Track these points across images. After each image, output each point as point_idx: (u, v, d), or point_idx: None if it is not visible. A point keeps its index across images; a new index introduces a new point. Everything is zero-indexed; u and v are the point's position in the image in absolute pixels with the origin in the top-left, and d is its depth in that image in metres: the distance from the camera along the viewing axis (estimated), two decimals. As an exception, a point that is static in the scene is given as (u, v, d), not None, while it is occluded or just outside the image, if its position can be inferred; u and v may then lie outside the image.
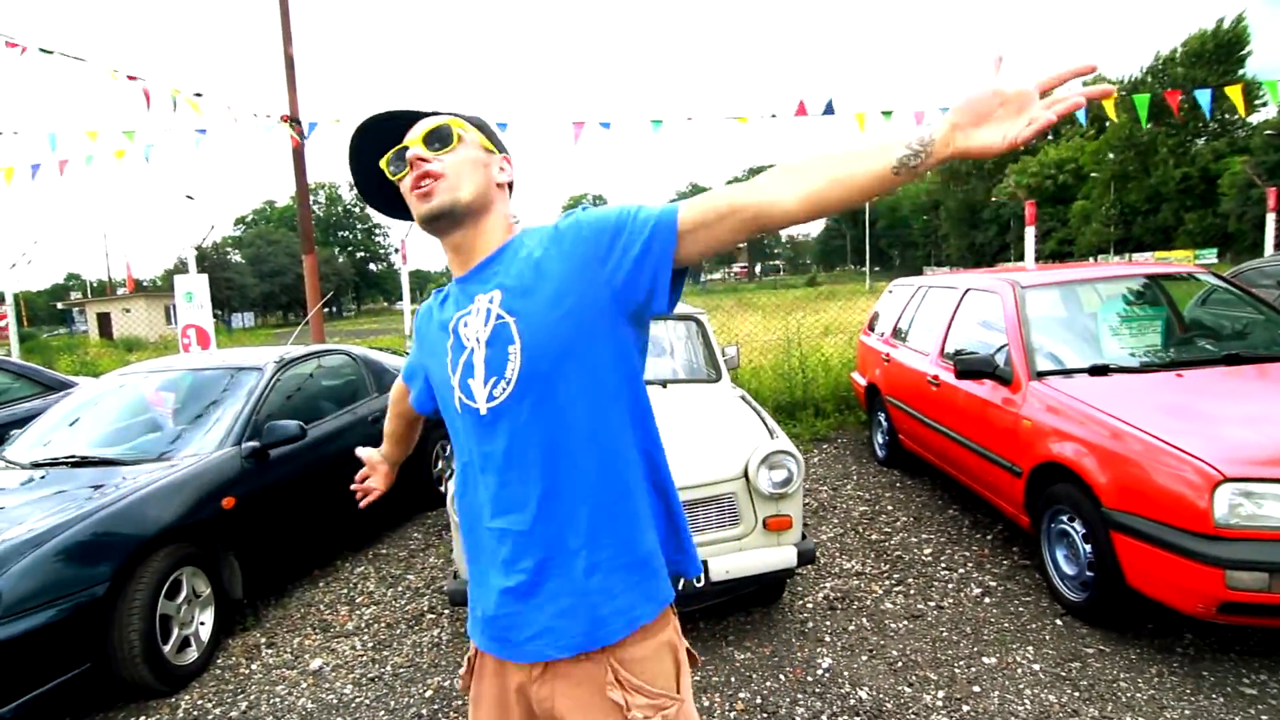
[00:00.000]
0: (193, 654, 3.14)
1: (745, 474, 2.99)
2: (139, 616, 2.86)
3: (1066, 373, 3.43)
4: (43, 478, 3.35)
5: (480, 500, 1.20)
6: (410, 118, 1.22)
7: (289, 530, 3.87)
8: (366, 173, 1.27)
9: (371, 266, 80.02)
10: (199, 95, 6.27)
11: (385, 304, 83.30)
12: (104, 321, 40.31)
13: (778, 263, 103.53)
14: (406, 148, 1.18)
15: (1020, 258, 6.02)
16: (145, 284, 61.67)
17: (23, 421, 4.95)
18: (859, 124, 6.80)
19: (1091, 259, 44.17)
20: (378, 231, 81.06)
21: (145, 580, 2.93)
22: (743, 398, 3.82)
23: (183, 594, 3.13)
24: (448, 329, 1.21)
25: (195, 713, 2.86)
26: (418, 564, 4.24)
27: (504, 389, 1.12)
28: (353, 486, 1.72)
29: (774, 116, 6.56)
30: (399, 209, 1.30)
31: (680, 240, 1.09)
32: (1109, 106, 6.73)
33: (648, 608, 1.15)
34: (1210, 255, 36.07)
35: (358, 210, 79.20)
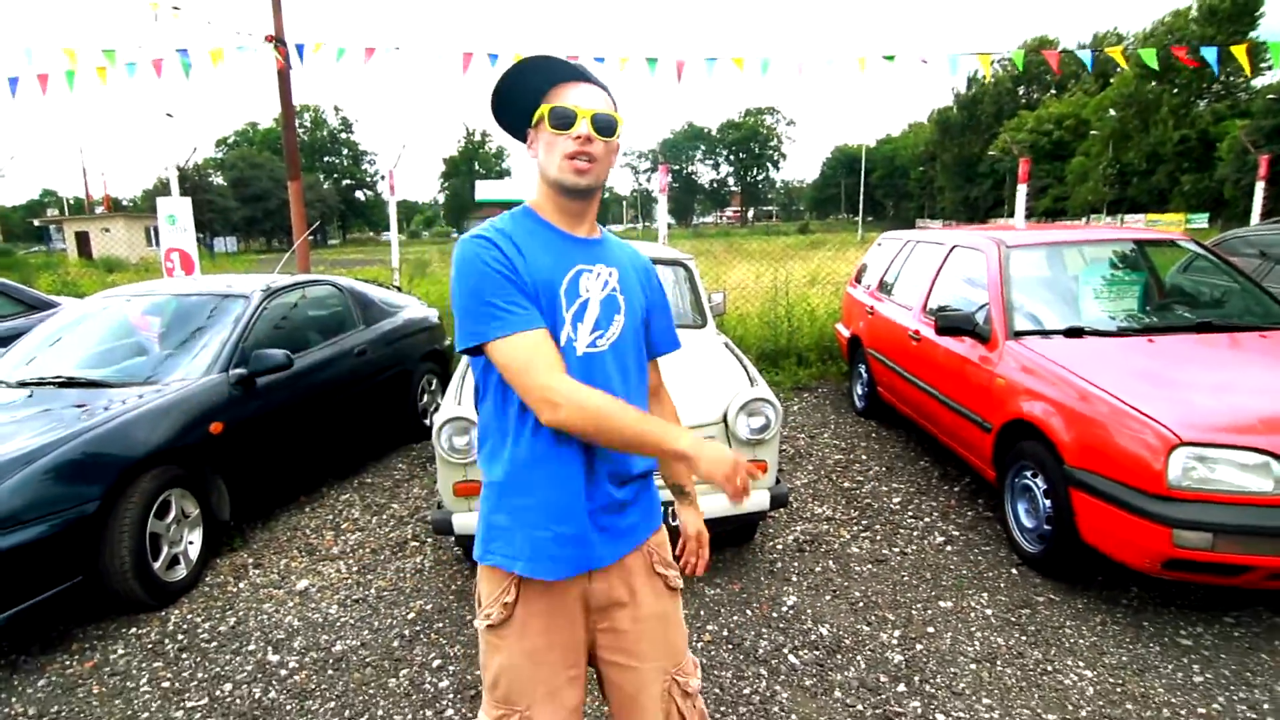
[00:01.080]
0: (182, 571, 3.23)
1: (725, 419, 3.07)
2: (129, 534, 2.94)
3: (1043, 333, 3.51)
4: (30, 396, 3.37)
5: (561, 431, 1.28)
6: (574, 73, 1.33)
7: (276, 457, 3.94)
8: (519, 83, 1.32)
9: (358, 194, 78.35)
10: (176, 8, 6.05)
11: (371, 234, 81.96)
12: (83, 241, 39.48)
13: (771, 208, 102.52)
14: (574, 113, 1.29)
15: (1011, 214, 6.06)
16: (124, 203, 60.24)
17: (5, 340, 4.93)
18: (860, 66, 6.71)
19: (1085, 219, 44.12)
20: (365, 159, 79.18)
21: (135, 499, 3.00)
22: (726, 344, 3.88)
23: (172, 514, 3.21)
24: (564, 271, 1.33)
25: (185, 626, 2.98)
26: (401, 493, 4.34)
27: (604, 343, 1.36)
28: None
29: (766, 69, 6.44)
30: (517, 129, 1.39)
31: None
32: (1118, 56, 6.66)
33: (659, 506, 1.53)
34: (1202, 220, 36.13)
35: (344, 136, 77.16)
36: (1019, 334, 3.53)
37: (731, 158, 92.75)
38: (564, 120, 1.29)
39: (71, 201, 65.87)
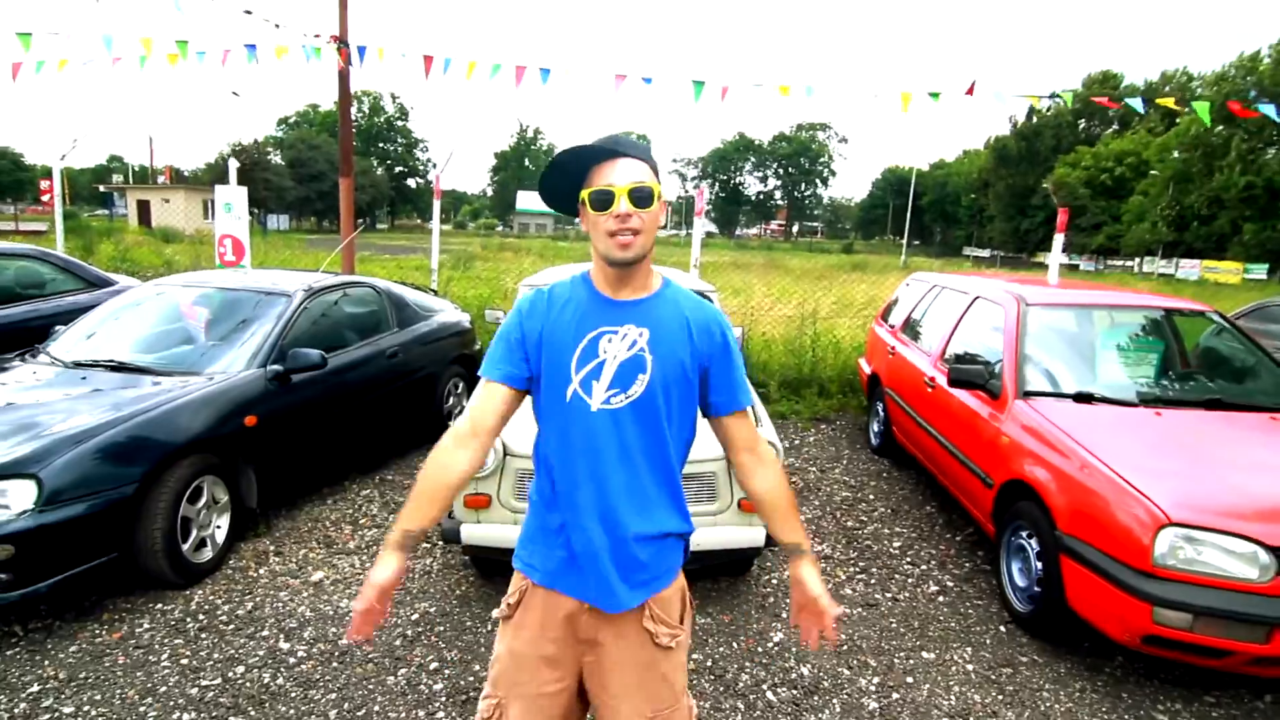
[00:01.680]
0: (208, 554, 3.45)
1: (725, 456, 3.18)
2: (163, 516, 3.16)
3: (1053, 395, 3.55)
4: (83, 378, 3.62)
5: (571, 474, 1.48)
6: (608, 153, 1.44)
7: (304, 450, 4.15)
8: (559, 175, 1.48)
9: (410, 182, 79.85)
10: (248, 13, 6.35)
11: (419, 220, 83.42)
12: (143, 209, 40.98)
13: (816, 224, 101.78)
14: (612, 193, 1.41)
15: (1064, 249, 5.99)
16: (185, 174, 62.22)
17: (65, 315, 5.25)
18: (903, 104, 6.75)
19: (1139, 259, 42.98)
20: (418, 146, 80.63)
21: (170, 484, 3.22)
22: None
23: (203, 499, 3.43)
24: (583, 334, 1.48)
25: (206, 606, 3.18)
26: (419, 494, 4.52)
27: (622, 400, 1.46)
28: (351, 636, 1.50)
29: (811, 92, 6.52)
30: (565, 206, 1.53)
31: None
32: (1171, 105, 6.59)
33: (677, 567, 1.58)
34: (1261, 271, 34.98)
35: (400, 123, 78.65)
36: (1029, 394, 3.58)
37: (780, 171, 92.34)
38: (603, 201, 1.41)
39: (136, 169, 68.34)
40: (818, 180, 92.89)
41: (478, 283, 12.48)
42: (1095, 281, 7.23)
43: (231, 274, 5.13)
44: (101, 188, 54.97)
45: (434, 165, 79.42)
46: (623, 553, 1.48)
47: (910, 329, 5.43)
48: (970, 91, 5.99)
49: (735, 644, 3.06)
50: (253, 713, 2.54)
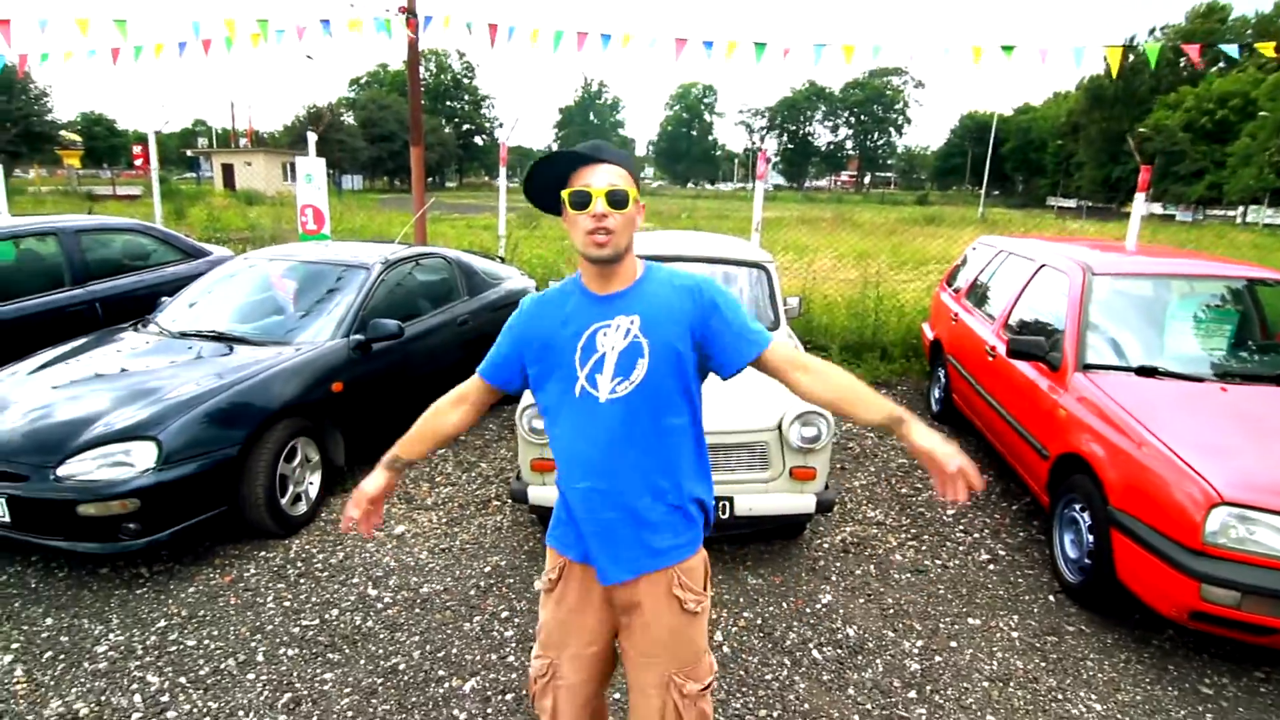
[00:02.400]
0: (303, 508, 3.80)
1: (779, 426, 3.30)
2: (264, 474, 3.50)
3: (1114, 368, 3.51)
4: (189, 347, 3.99)
5: (583, 465, 1.63)
6: (588, 158, 1.54)
7: (383, 413, 4.47)
8: (543, 175, 1.59)
9: (477, 140, 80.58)
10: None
11: (486, 178, 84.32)
12: (227, 172, 42.80)
13: (889, 175, 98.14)
14: (589, 193, 1.52)
15: (1158, 199, 5.69)
16: (263, 137, 64.46)
17: (167, 286, 5.69)
18: (975, 56, 6.51)
19: (1243, 209, 40.03)
20: (484, 104, 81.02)
21: (269, 445, 3.55)
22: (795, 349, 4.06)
23: (297, 459, 3.77)
24: (581, 333, 1.61)
25: (303, 555, 3.54)
26: (490, 454, 4.82)
27: (627, 387, 1.58)
28: (345, 527, 1.89)
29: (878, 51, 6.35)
30: (549, 205, 1.63)
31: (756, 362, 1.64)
32: (1269, 51, 6.16)
33: (699, 537, 1.71)
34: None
35: (466, 81, 79.05)
36: (1089, 366, 3.55)
37: (852, 119, 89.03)
38: (581, 201, 1.52)
39: (219, 132, 71.09)
40: (891, 128, 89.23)
41: (544, 242, 12.74)
42: (1178, 247, 6.88)
43: (314, 246, 5.45)
44: (188, 152, 57.59)
45: (499, 124, 79.86)
46: (644, 529, 1.62)
47: (974, 295, 5.35)
48: (1043, 59, 5.74)
49: (784, 604, 3.22)
50: (347, 650, 2.86)
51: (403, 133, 58.51)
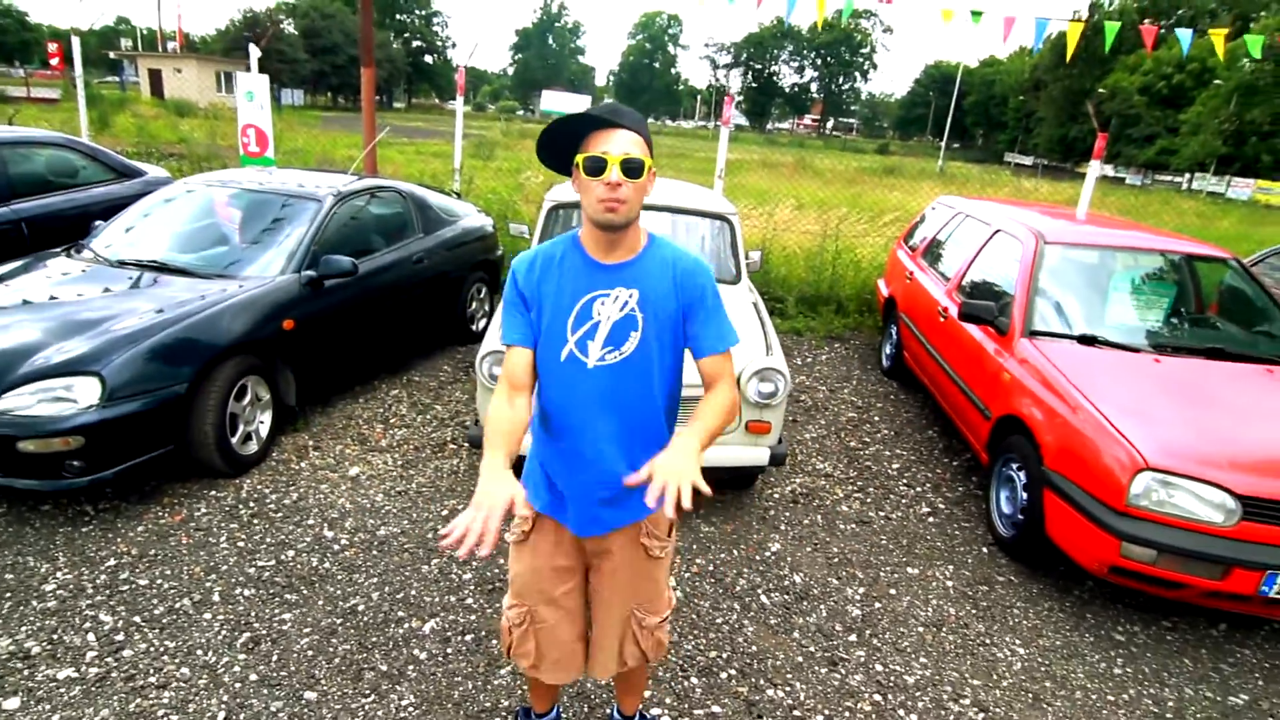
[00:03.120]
0: (253, 447, 3.74)
1: (738, 381, 3.36)
2: (213, 412, 3.42)
3: (1058, 336, 3.66)
4: (129, 277, 3.81)
5: (564, 424, 1.66)
6: (606, 121, 1.52)
7: (336, 351, 4.38)
8: (557, 136, 1.56)
9: (427, 58, 76.87)
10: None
11: (437, 100, 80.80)
12: (155, 79, 40.02)
13: (852, 121, 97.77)
14: (605, 160, 1.49)
15: (1110, 161, 5.78)
16: (194, 41, 60.18)
17: (98, 207, 5.38)
18: (944, 18, 6.47)
19: (1189, 175, 41.25)
20: (436, 20, 77.13)
21: (218, 383, 3.46)
22: (754, 305, 4.11)
23: (247, 397, 3.68)
24: (577, 299, 1.61)
25: (255, 495, 3.50)
26: (445, 396, 4.79)
27: (616, 357, 1.61)
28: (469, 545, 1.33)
29: None
30: (561, 165, 1.60)
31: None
32: (1219, 42, 6.30)
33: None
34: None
35: (419, -6, 74.87)
36: (1035, 333, 3.69)
37: (818, 61, 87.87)
38: (596, 167, 1.50)
39: (144, 32, 66.01)
40: (857, 73, 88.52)
41: (499, 175, 12.39)
42: (1125, 217, 7.12)
43: (258, 172, 5.20)
44: (111, 54, 53.42)
45: (453, 44, 76.28)
46: (614, 490, 1.67)
47: (930, 255, 5.46)
48: (1008, 30, 5.73)
49: (735, 551, 3.35)
50: (305, 591, 2.87)
51: (348, 46, 55.47)
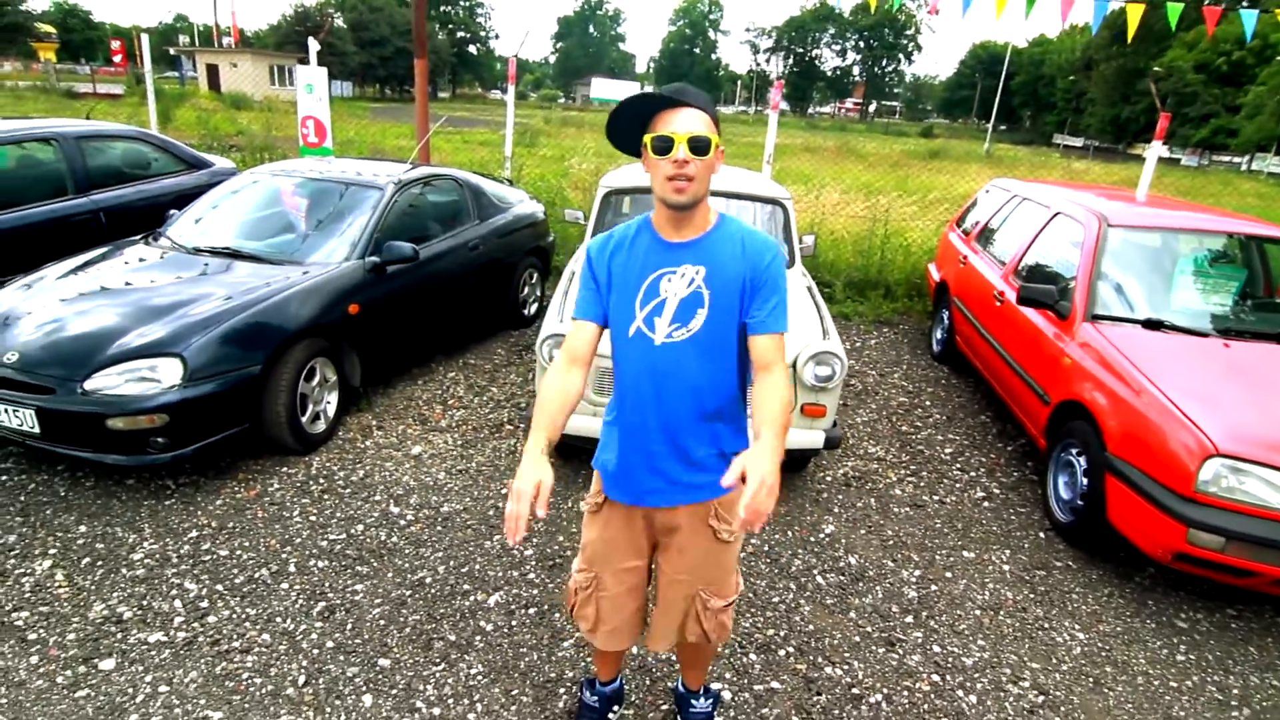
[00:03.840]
0: (321, 426, 3.89)
1: (793, 365, 3.38)
2: (285, 392, 3.57)
3: (1121, 320, 3.59)
4: (204, 264, 3.98)
5: (634, 400, 1.71)
6: (672, 101, 1.54)
7: (398, 335, 4.51)
8: (625, 118, 1.60)
9: (471, 48, 77.45)
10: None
11: (480, 90, 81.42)
12: (212, 73, 41.20)
13: (895, 104, 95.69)
14: (672, 139, 1.51)
15: (1165, 140, 5.57)
16: (248, 37, 61.66)
17: (170, 197, 5.60)
18: (998, 7, 6.32)
19: (1249, 156, 39.52)
20: (480, 11, 77.62)
21: (290, 365, 3.60)
22: (809, 289, 4.11)
23: (316, 378, 3.83)
24: (645, 276, 1.66)
25: (324, 471, 3.64)
26: (500, 378, 4.90)
27: (684, 334, 1.64)
28: (514, 536, 1.45)
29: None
30: (630, 146, 1.64)
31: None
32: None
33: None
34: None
35: (462, -16, 75.38)
36: (1097, 317, 3.62)
37: (860, 44, 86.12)
38: (663, 147, 1.53)
39: (201, 29, 67.92)
40: (901, 55, 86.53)
41: (545, 162, 12.50)
42: (1185, 199, 6.88)
43: (319, 161, 5.36)
44: (170, 50, 55.14)
45: (495, 34, 76.69)
46: (688, 467, 1.73)
47: (984, 239, 5.38)
48: (1065, 16, 5.57)
49: (790, 533, 3.38)
50: (374, 563, 2.99)
51: (395, 38, 56.24)
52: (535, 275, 6.02)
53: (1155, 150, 6.07)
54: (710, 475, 1.74)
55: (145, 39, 8.27)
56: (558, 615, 2.76)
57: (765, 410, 1.56)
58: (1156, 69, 44.05)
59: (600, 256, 1.72)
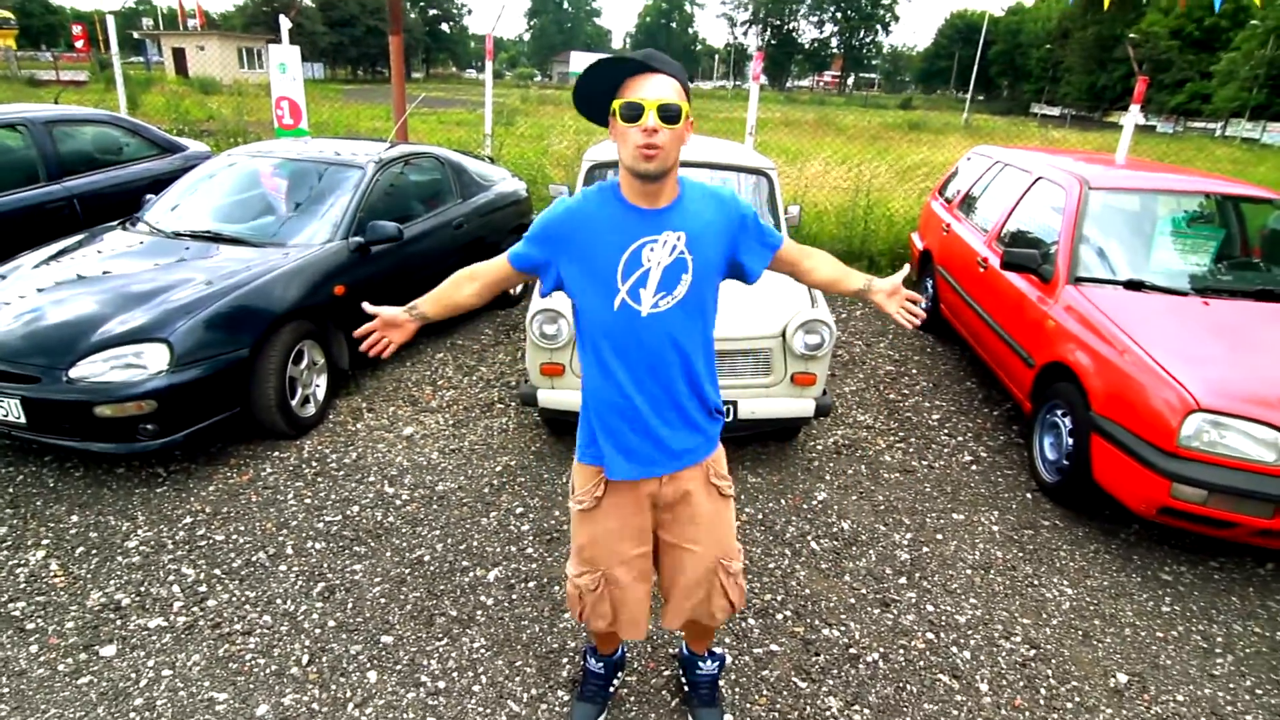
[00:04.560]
0: (311, 409, 3.87)
1: (783, 334, 3.40)
2: (274, 375, 3.54)
3: (1104, 282, 3.64)
4: (185, 248, 3.92)
5: (622, 374, 1.68)
6: (643, 66, 1.51)
7: (383, 317, 4.47)
8: (593, 83, 1.57)
9: (444, 26, 76.13)
10: None
11: (454, 69, 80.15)
12: (179, 57, 40.28)
13: (873, 76, 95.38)
14: (641, 106, 1.48)
15: (1143, 107, 5.62)
16: (214, 18, 60.23)
17: (144, 182, 5.50)
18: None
19: (1221, 121, 39.91)
20: (452, -13, 76.15)
21: (277, 348, 3.57)
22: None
23: (304, 361, 3.80)
24: (625, 247, 1.61)
25: (317, 454, 3.63)
26: (488, 358, 4.89)
27: (669, 301, 1.64)
28: (366, 343, 1.90)
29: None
30: (598, 115, 1.62)
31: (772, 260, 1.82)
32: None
33: (718, 433, 1.86)
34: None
35: (433, -40, 73.88)
36: (1080, 279, 3.67)
37: (838, 15, 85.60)
38: (633, 113, 1.48)
39: (165, 11, 66.21)
40: (878, 26, 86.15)
41: (524, 141, 12.38)
42: (1164, 162, 6.95)
43: (296, 142, 5.28)
44: (134, 34, 53.73)
45: (468, 10, 75.41)
46: (683, 429, 1.74)
47: (967, 206, 5.41)
48: None
49: (783, 501, 3.42)
50: (372, 544, 3.00)
51: (365, 17, 55.15)
52: (520, 254, 5.98)
53: (1133, 115, 6.11)
54: (702, 435, 1.78)
55: (111, 21, 8.07)
56: (557, 588, 2.78)
57: (836, 266, 1.90)
58: (1132, 35, 44.20)
59: (571, 224, 1.66)
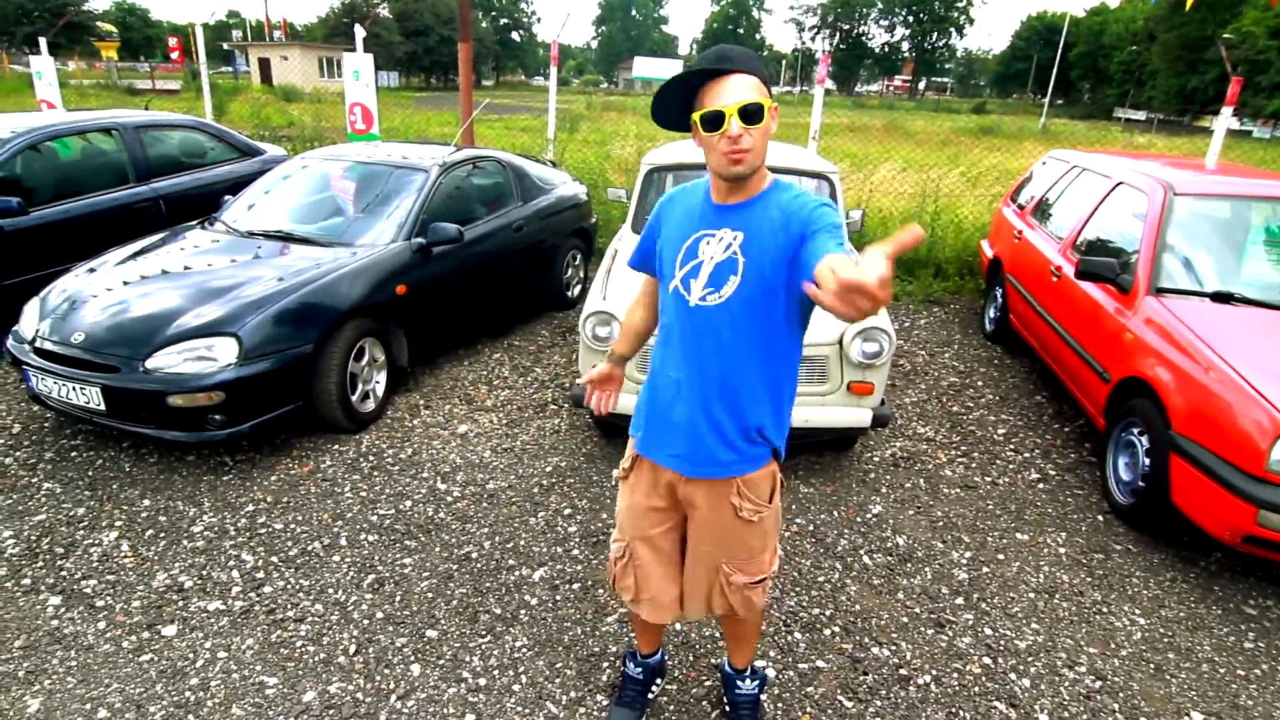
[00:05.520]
0: (370, 405, 3.97)
1: (840, 341, 3.32)
2: (336, 371, 3.64)
3: (1188, 293, 3.43)
4: (258, 247, 4.08)
5: (671, 357, 1.71)
6: (715, 71, 1.45)
7: (444, 316, 4.57)
8: (669, 100, 1.53)
9: (514, 35, 77.72)
10: None
11: (523, 77, 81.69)
12: (264, 67, 42.22)
13: (946, 80, 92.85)
14: (722, 113, 1.44)
15: (1237, 111, 5.29)
16: (297, 30, 62.96)
17: (225, 184, 5.75)
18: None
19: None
20: (523, -2, 77.69)
21: (340, 344, 3.68)
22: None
23: (365, 358, 3.90)
24: (688, 235, 1.64)
25: (374, 449, 3.72)
26: (544, 359, 4.92)
27: (716, 299, 1.59)
28: (594, 405, 1.99)
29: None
30: (680, 124, 1.57)
31: None
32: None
33: (765, 457, 1.74)
34: None
35: (504, -29, 75.55)
36: (1162, 290, 3.46)
37: (910, 18, 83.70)
38: (714, 122, 1.45)
39: (253, 24, 69.59)
40: (952, 29, 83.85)
41: (586, 146, 12.49)
42: (1258, 168, 6.52)
43: (366, 146, 5.44)
44: (224, 45, 56.65)
45: (538, 19, 76.79)
46: (714, 436, 1.67)
47: (1041, 212, 5.18)
48: None
49: (836, 513, 3.33)
50: (423, 538, 3.05)
51: (439, 27, 56.78)
52: (579, 256, 6.03)
53: (1225, 117, 5.76)
54: (732, 452, 1.69)
55: (200, 33, 8.49)
56: (601, 591, 2.77)
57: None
58: (1227, 35, 41.76)
59: (663, 213, 1.77)
